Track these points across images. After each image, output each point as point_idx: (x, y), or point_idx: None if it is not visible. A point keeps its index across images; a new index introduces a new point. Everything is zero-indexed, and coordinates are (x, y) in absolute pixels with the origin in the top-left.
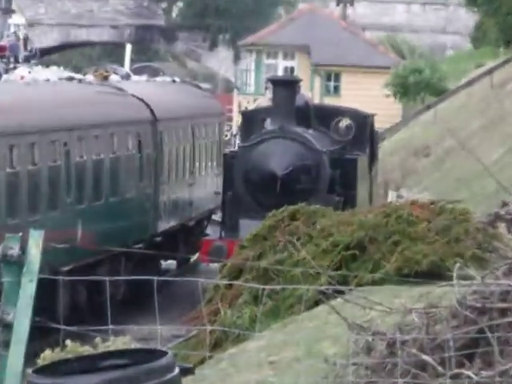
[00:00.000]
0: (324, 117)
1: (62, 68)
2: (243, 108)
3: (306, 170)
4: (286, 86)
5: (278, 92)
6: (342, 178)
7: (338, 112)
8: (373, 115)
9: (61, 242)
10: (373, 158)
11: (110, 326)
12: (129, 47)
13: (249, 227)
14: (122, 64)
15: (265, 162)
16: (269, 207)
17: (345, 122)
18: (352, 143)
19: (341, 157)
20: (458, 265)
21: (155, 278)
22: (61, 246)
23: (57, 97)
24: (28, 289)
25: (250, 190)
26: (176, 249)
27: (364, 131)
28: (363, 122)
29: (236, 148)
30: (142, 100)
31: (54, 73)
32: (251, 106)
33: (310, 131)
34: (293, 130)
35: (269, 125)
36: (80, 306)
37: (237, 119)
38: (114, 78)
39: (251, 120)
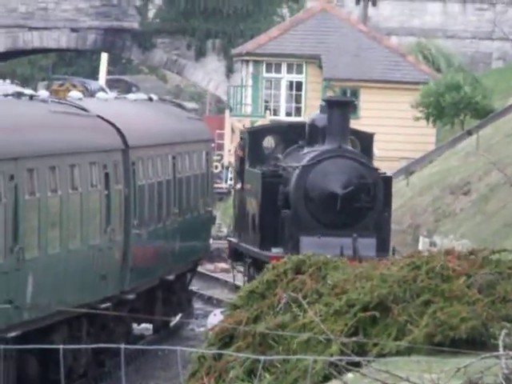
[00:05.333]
0: None
1: (7, 81)
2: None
3: (365, 188)
4: (340, 106)
5: (332, 112)
6: (384, 196)
7: None
8: (373, 134)
9: (3, 301)
10: None
11: None
12: (105, 56)
13: (309, 244)
14: (86, 77)
15: (325, 181)
16: (328, 224)
17: (353, 142)
18: None
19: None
20: (504, 331)
21: (123, 346)
22: (4, 307)
23: (1, 118)
24: None
25: (309, 207)
26: (152, 309)
27: (369, 151)
28: (368, 142)
29: (274, 167)
30: (110, 123)
31: None
32: None
33: None
34: (350, 149)
35: (272, 145)
36: (29, 382)
37: (230, 144)
38: (74, 94)
39: (258, 139)
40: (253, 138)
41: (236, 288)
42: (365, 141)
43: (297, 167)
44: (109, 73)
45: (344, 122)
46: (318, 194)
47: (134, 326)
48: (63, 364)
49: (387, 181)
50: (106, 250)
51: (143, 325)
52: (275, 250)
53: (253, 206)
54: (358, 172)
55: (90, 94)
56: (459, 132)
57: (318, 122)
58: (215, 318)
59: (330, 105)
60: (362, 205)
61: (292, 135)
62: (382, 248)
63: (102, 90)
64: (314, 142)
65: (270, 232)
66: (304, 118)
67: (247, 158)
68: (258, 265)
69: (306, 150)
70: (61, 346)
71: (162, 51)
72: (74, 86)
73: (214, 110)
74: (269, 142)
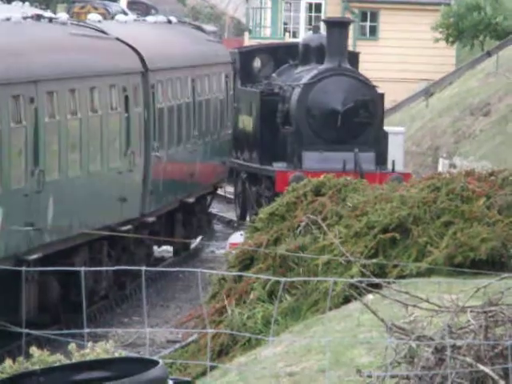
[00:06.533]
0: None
1: (26, 3)
2: None
3: (364, 105)
4: (339, 26)
5: (331, 32)
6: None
7: None
8: (358, 53)
9: (24, 223)
10: None
11: (87, 330)
12: None
13: (312, 159)
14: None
15: (326, 98)
16: (329, 140)
17: None
18: None
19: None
20: None
21: (143, 268)
22: (25, 229)
23: (20, 41)
24: None
25: (311, 124)
26: (172, 232)
27: (357, 68)
28: (354, 61)
29: (268, 86)
30: (129, 45)
31: (17, 9)
32: None
33: None
34: (349, 67)
35: (260, 65)
36: (50, 304)
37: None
38: (93, 17)
39: (248, 59)
40: (243, 57)
41: (227, 202)
42: (350, 60)
43: (297, 85)
44: None
45: (343, 41)
46: (319, 110)
47: (155, 248)
48: (84, 286)
49: (383, 98)
50: (126, 172)
51: (164, 247)
52: (277, 165)
53: (246, 123)
54: (357, 89)
55: (112, 16)
56: (479, 53)
57: (311, 41)
58: (241, 237)
59: (330, 25)
60: (362, 120)
61: (281, 55)
62: (381, 161)
63: (124, 12)
64: (308, 61)
65: (269, 148)
66: None
67: (238, 77)
68: (256, 179)
69: (299, 69)
70: (82, 269)
71: None
72: (95, 9)
73: (233, 33)
74: (256, 61)
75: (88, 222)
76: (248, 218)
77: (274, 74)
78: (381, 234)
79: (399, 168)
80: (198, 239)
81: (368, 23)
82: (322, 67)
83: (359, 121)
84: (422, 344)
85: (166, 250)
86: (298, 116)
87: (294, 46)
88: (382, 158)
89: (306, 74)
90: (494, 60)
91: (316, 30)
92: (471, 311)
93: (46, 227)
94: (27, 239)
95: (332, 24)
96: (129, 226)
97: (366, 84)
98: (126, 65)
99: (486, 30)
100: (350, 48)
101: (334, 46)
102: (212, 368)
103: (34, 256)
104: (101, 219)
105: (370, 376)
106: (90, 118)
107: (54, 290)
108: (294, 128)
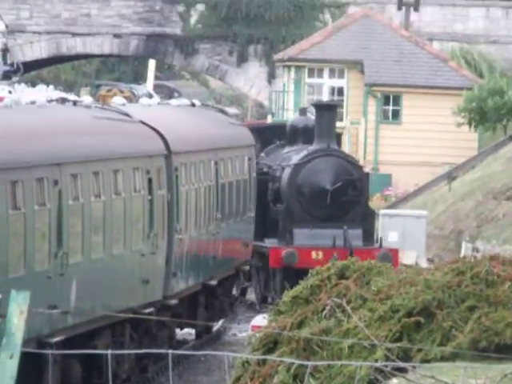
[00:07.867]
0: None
1: (51, 87)
2: None
3: (352, 184)
4: (328, 109)
5: (321, 115)
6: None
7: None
8: (340, 134)
9: (47, 306)
10: None
11: None
12: (152, 63)
13: (302, 235)
14: (129, 83)
15: (316, 177)
16: (319, 217)
17: None
18: None
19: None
20: None
21: (170, 351)
22: (49, 312)
23: (45, 124)
24: (8, 367)
25: (301, 202)
26: (195, 314)
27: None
28: (338, 141)
29: (260, 166)
30: (153, 128)
31: (42, 93)
32: None
33: None
34: (337, 148)
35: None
36: None
37: None
38: (117, 100)
39: None
40: None
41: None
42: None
43: (287, 165)
44: (156, 79)
45: (331, 123)
46: (310, 189)
47: (177, 330)
48: (107, 369)
49: (368, 177)
50: (148, 255)
51: (186, 330)
52: (269, 241)
53: None
54: (345, 169)
55: (137, 99)
56: (501, 137)
57: (298, 123)
58: (264, 320)
59: (319, 108)
60: (350, 199)
61: (267, 135)
62: (368, 238)
63: (150, 95)
64: (295, 142)
65: (259, 225)
66: (345, 123)
67: None
68: None
69: (287, 149)
70: (109, 352)
71: (204, 57)
72: (122, 92)
73: (256, 116)
74: None
75: (111, 305)
76: (234, 291)
77: (262, 154)
78: (405, 318)
79: (420, 251)
80: (221, 322)
81: (391, 107)
82: (311, 148)
83: (347, 199)
84: None
85: (189, 332)
86: (289, 194)
87: (281, 126)
88: (368, 235)
89: (294, 154)
90: None
91: (303, 112)
92: None
93: (69, 310)
94: (50, 322)
95: (321, 107)
96: (151, 309)
97: (354, 164)
98: (150, 147)
99: (509, 114)
100: (373, 131)
101: (323, 128)
102: None
103: (57, 339)
104: (123, 301)
105: None
106: (113, 200)
107: (76, 372)
108: (285, 206)
